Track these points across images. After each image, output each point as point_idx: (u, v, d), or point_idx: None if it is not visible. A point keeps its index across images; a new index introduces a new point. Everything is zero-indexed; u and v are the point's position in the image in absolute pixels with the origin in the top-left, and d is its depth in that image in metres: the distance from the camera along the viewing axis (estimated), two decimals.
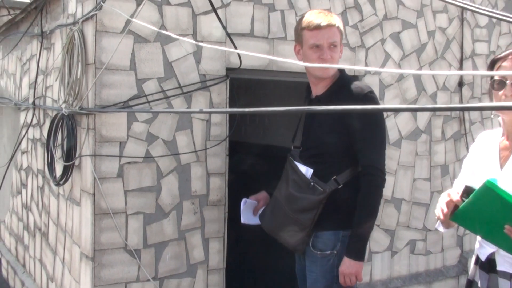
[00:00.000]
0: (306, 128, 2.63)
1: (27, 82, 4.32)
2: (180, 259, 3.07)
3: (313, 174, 2.49)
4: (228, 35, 3.01)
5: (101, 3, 2.70)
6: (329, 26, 2.47)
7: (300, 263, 2.69)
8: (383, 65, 3.80)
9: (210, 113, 3.17)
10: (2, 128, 5.47)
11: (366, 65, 3.70)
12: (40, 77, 3.86)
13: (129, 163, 2.90)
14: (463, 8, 4.12)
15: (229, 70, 3.17)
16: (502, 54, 2.04)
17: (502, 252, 2.00)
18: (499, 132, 2.13)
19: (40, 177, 4.00)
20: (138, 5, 2.85)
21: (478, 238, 2.14)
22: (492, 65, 2.09)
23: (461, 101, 4.26)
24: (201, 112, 3.10)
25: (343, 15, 3.60)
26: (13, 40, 4.69)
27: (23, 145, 4.49)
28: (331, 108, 1.58)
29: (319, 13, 2.52)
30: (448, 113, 4.22)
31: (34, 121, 4.07)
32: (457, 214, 1.92)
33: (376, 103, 2.53)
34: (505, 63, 2.02)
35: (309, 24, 2.49)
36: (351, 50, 3.65)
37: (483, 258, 2.11)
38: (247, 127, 5.90)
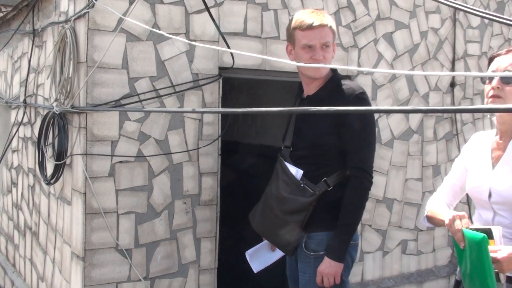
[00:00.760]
0: (297, 128, 2.60)
1: (18, 80, 4.29)
2: (172, 259, 3.06)
3: (303, 175, 2.47)
4: (221, 34, 3.00)
5: (94, 1, 2.68)
6: (322, 26, 2.44)
7: (290, 264, 2.68)
8: (375, 65, 3.80)
9: (202, 112, 3.16)
10: None
11: (358, 65, 3.71)
12: (32, 75, 3.83)
13: (120, 162, 2.89)
14: (455, 9, 4.14)
15: (222, 69, 3.16)
16: (501, 51, 2.04)
17: None
18: (492, 133, 2.13)
19: (31, 176, 3.98)
20: (130, 3, 2.84)
21: None
22: (490, 62, 2.10)
23: (453, 102, 4.28)
24: (193, 111, 3.08)
25: (336, 15, 3.60)
26: (4, 37, 4.66)
27: (14, 143, 4.46)
28: (324, 109, 1.58)
29: (312, 12, 2.49)
30: (440, 113, 4.23)
31: (25, 120, 4.04)
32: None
33: (368, 104, 2.50)
34: (498, 58, 2.02)
35: (301, 24, 2.45)
36: (344, 50, 3.65)
37: None
38: (239, 127, 5.90)
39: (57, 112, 3.01)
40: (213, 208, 3.18)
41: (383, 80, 3.87)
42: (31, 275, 4.00)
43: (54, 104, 3.05)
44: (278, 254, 2.75)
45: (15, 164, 4.48)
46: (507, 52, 2.01)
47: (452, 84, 4.29)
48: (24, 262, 4.20)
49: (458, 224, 1.86)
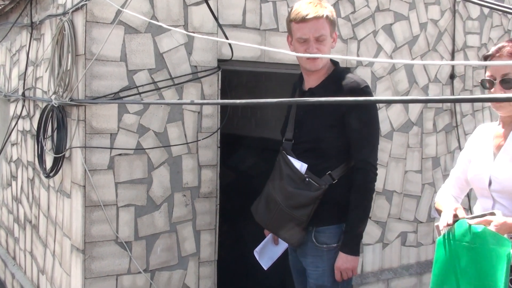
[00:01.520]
0: (298, 120, 2.56)
1: (17, 73, 4.27)
2: (172, 251, 3.07)
3: (308, 169, 2.44)
4: (220, 26, 2.99)
5: None
6: (316, 18, 2.37)
7: (294, 255, 2.67)
8: (375, 57, 3.79)
9: (201, 104, 3.15)
10: None
11: (358, 56, 3.70)
12: (30, 68, 3.82)
13: (120, 155, 2.89)
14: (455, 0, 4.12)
15: (220, 61, 3.15)
16: (490, 52, 2.04)
17: None
18: (495, 124, 2.15)
19: (30, 169, 3.98)
20: None
21: None
22: (485, 60, 2.10)
23: (452, 93, 4.27)
24: (192, 103, 3.08)
25: (335, 6, 3.59)
26: (2, 30, 4.64)
27: (13, 137, 4.45)
28: (323, 99, 1.57)
29: (309, 3, 2.42)
30: (440, 105, 4.22)
31: (24, 113, 4.04)
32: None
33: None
34: (493, 60, 2.03)
35: (296, 16, 2.40)
36: (343, 42, 3.64)
37: None
38: (239, 119, 5.89)
39: (55, 105, 3.00)
40: (213, 201, 3.18)
41: (382, 72, 3.86)
42: (31, 268, 4.01)
43: (53, 97, 3.04)
44: (283, 246, 2.74)
45: (15, 157, 4.47)
46: (497, 51, 2.00)
47: (452, 76, 4.28)
48: (25, 255, 4.20)
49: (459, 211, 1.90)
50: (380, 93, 3.85)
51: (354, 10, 3.69)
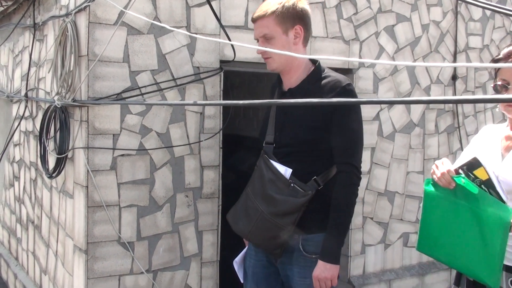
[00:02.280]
0: (279, 123, 2.40)
1: (20, 74, 4.29)
2: (174, 251, 3.07)
3: (292, 173, 2.29)
4: (222, 27, 2.99)
5: None
6: (260, 17, 2.27)
7: (257, 260, 2.50)
8: (377, 58, 3.80)
9: (204, 105, 3.16)
10: None
11: (360, 58, 3.70)
12: (33, 69, 3.83)
13: (122, 155, 2.89)
14: (457, 1, 4.12)
15: (223, 62, 3.16)
16: (502, 54, 2.03)
17: None
18: (503, 126, 2.15)
19: (32, 170, 3.99)
20: None
21: None
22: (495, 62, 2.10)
23: (454, 95, 4.27)
24: (194, 104, 3.08)
25: (338, 7, 3.59)
26: (5, 31, 4.66)
27: (16, 137, 4.46)
28: (324, 100, 1.56)
29: (265, 2, 2.32)
30: (442, 106, 4.23)
31: (27, 113, 4.05)
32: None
33: (355, 95, 2.36)
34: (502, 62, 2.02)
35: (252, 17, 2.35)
36: (345, 43, 3.64)
37: None
38: (241, 120, 5.89)
39: (58, 106, 3.01)
40: (215, 201, 3.19)
41: (384, 73, 3.86)
42: (34, 268, 4.02)
43: (56, 98, 3.05)
44: None
45: (17, 158, 4.49)
46: (509, 55, 2.00)
47: (454, 77, 4.28)
48: (27, 256, 4.21)
49: (442, 168, 1.95)
50: (382, 94, 3.85)
51: (356, 12, 3.69)
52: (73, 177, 3.05)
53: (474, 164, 1.87)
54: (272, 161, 2.34)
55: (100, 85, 2.81)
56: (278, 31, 2.27)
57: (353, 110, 2.31)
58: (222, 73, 3.16)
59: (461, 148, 4.28)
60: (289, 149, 2.34)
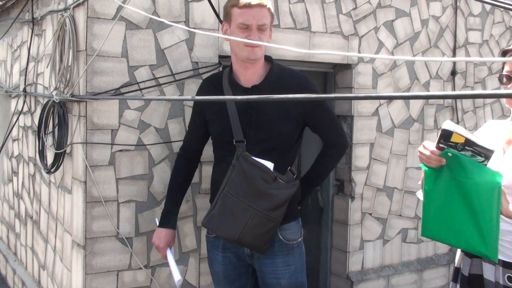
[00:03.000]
0: (247, 120, 2.42)
1: (18, 69, 4.28)
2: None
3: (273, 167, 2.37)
4: (221, 22, 2.98)
5: None
6: (260, 6, 2.33)
7: (228, 263, 2.55)
8: (376, 54, 3.79)
9: (202, 100, 3.14)
10: None
11: (359, 53, 3.69)
12: (31, 64, 3.82)
13: (121, 151, 2.89)
14: None
15: (221, 57, 3.15)
16: (511, 46, 2.04)
17: None
18: (506, 121, 2.15)
19: (31, 165, 3.98)
20: None
21: None
22: (503, 55, 2.10)
23: (453, 90, 4.27)
24: (193, 99, 3.07)
25: (337, 3, 3.58)
26: (3, 26, 4.64)
27: (14, 132, 4.46)
28: (324, 96, 1.55)
29: None
30: (441, 101, 4.22)
31: (25, 109, 4.04)
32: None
33: (316, 90, 2.56)
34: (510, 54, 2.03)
35: (239, 2, 2.32)
36: (345, 38, 3.63)
37: None
38: None
39: (57, 101, 3.01)
40: None
41: (383, 68, 3.85)
42: (32, 263, 4.02)
43: (54, 93, 3.05)
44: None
45: (16, 153, 4.48)
46: None
47: (453, 72, 4.27)
48: (26, 251, 4.21)
49: (426, 151, 1.97)
50: (381, 90, 3.85)
51: (356, 7, 3.68)
52: (71, 172, 3.04)
53: (446, 134, 1.89)
54: (254, 158, 2.35)
55: (98, 80, 2.80)
56: (269, 25, 2.42)
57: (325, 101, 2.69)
58: (221, 68, 3.15)
59: None
60: (265, 144, 2.41)
